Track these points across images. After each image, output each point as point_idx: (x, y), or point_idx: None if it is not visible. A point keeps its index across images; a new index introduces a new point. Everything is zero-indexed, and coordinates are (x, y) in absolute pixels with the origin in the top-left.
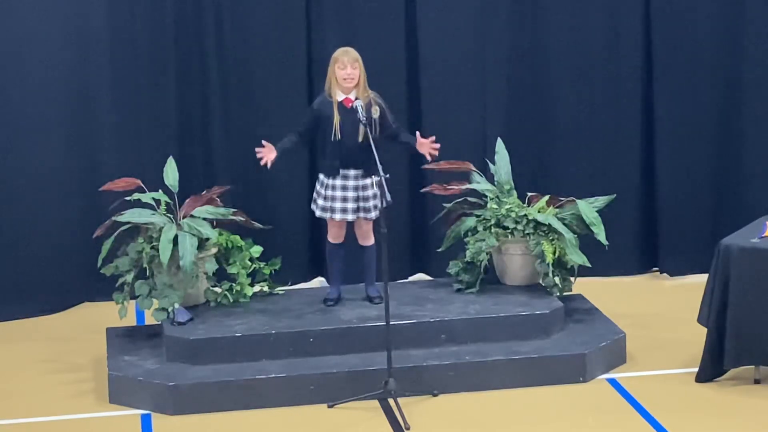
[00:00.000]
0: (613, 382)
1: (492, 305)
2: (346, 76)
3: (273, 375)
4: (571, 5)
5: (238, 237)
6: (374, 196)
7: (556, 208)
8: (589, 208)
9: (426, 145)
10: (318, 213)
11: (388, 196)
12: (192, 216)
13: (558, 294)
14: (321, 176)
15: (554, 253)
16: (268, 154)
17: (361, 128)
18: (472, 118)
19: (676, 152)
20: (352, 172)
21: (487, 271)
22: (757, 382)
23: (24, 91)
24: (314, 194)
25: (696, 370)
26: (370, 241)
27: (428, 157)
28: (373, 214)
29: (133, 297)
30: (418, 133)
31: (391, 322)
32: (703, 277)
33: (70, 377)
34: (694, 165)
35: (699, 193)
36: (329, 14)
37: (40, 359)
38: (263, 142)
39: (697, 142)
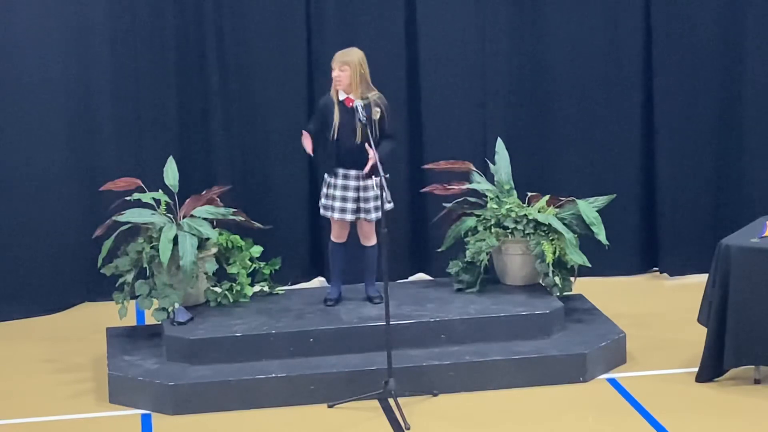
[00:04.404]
0: (613, 382)
1: (492, 305)
2: (333, 77)
3: (273, 375)
4: (572, 5)
5: (238, 237)
6: (375, 198)
7: (556, 208)
8: (589, 208)
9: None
10: (321, 211)
11: (388, 196)
12: (192, 216)
13: (558, 294)
14: (325, 175)
15: (554, 253)
16: (308, 143)
17: (359, 128)
18: (472, 118)
19: (676, 152)
20: (353, 173)
21: (487, 271)
22: (757, 382)
23: (24, 90)
24: (321, 192)
25: (696, 370)
26: (372, 241)
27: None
28: (374, 216)
29: (133, 297)
30: (372, 152)
31: (391, 322)
32: (703, 277)
33: (70, 377)
34: (694, 165)
35: (699, 193)
36: (329, 14)
37: (40, 359)
38: (303, 131)
39: (697, 142)
